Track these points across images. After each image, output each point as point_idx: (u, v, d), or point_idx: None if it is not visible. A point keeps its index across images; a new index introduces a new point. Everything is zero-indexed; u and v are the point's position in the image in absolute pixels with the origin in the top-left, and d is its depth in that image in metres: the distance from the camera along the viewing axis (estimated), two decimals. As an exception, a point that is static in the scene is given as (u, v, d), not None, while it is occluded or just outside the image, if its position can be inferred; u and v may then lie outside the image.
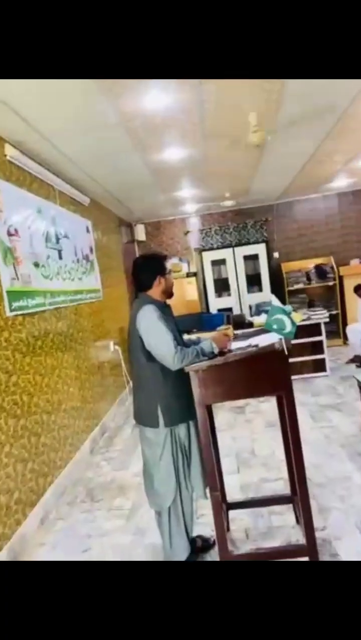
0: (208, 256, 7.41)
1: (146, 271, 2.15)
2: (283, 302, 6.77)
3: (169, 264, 2.21)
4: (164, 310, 2.13)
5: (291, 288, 7.21)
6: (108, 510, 2.91)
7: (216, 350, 2.05)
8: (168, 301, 2.25)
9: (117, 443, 4.17)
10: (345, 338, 6.29)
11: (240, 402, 4.65)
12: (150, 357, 2.04)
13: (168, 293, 2.20)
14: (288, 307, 5.23)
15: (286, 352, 1.96)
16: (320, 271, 7.18)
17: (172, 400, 2.08)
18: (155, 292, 2.15)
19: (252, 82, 2.74)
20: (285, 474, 2.48)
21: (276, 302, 2.17)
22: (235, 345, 2.17)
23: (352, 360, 5.78)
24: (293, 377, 5.09)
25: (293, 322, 2.09)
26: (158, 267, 2.15)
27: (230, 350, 2.08)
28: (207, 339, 2.10)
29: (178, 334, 2.20)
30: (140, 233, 7.40)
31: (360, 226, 7.42)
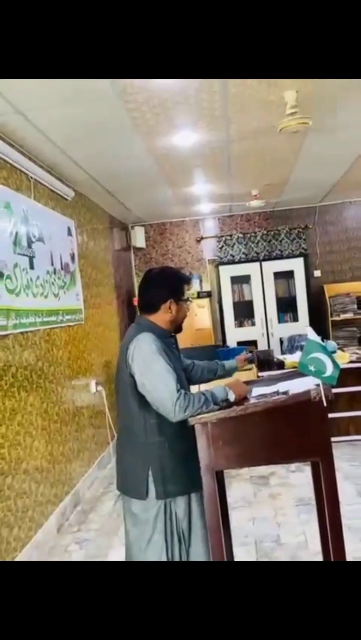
0: (227, 271, 7.49)
1: (156, 288, 2.17)
2: (326, 336, 6.77)
3: (189, 289, 2.23)
4: (167, 341, 2.14)
5: (336, 318, 7.23)
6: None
7: (232, 398, 2.05)
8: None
9: (93, 520, 4.12)
10: None
11: (263, 471, 4.59)
12: (143, 402, 2.05)
13: (178, 325, 2.21)
14: (331, 344, 5.27)
15: (325, 404, 1.95)
16: (376, 297, 7.21)
17: (170, 463, 2.07)
18: (161, 318, 2.16)
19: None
20: (321, 572, 2.41)
21: (313, 335, 2.17)
22: (256, 391, 2.17)
23: None
24: (337, 439, 5.10)
25: (335, 364, 2.09)
26: (173, 288, 2.17)
27: (247, 399, 2.08)
28: (219, 384, 2.11)
29: (184, 373, 2.21)
30: (139, 238, 7.52)
31: None
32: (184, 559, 2.13)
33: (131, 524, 2.14)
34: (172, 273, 2.27)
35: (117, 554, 3.33)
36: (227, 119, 3.82)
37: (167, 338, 2.16)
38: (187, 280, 2.25)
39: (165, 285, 2.17)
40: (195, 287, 7.50)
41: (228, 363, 2.43)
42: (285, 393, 2.06)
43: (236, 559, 2.57)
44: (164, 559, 2.09)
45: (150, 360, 2.00)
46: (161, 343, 2.06)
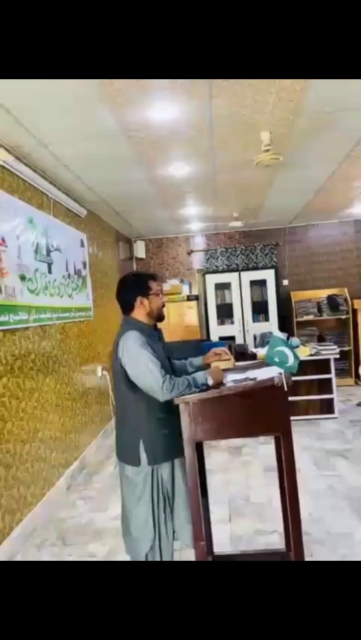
0: (212, 279, 7.48)
1: (125, 291, 2.16)
2: (291, 334, 6.78)
3: (157, 284, 2.20)
4: (151, 334, 2.13)
5: (300, 319, 7.24)
6: (80, 556, 2.84)
7: (210, 382, 2.05)
8: (160, 324, 2.25)
9: (96, 481, 4.10)
10: (358, 377, 6.26)
11: (237, 442, 4.59)
12: (133, 387, 2.03)
13: (156, 316, 2.18)
14: (295, 341, 5.25)
15: (286, 388, 1.96)
16: (333, 302, 7.22)
17: (157, 436, 2.07)
18: (139, 314, 2.15)
19: (265, 97, 2.84)
20: (281, 526, 2.42)
21: (277, 332, 2.17)
22: (230, 377, 2.16)
23: (364, 403, 5.74)
24: (297, 418, 5.14)
25: (295, 355, 2.09)
26: (138, 287, 2.14)
27: (223, 383, 2.08)
28: (200, 371, 2.11)
29: (168, 360, 2.20)
30: (140, 250, 7.50)
31: (377, 257, 7.52)
32: (168, 513, 2.13)
33: (125, 485, 2.13)
34: (134, 276, 2.26)
35: (115, 509, 3.32)
36: (213, 153, 3.81)
37: (151, 331, 2.14)
38: (150, 277, 2.19)
39: (130, 287, 2.16)
40: (185, 291, 7.49)
41: (196, 360, 2.38)
42: (254, 379, 2.06)
43: (212, 514, 2.56)
44: (150, 513, 2.08)
45: (137, 354, 1.98)
46: (145, 337, 2.04)
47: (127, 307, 2.17)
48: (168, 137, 3.36)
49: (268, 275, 7.40)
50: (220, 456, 4.36)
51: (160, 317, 2.21)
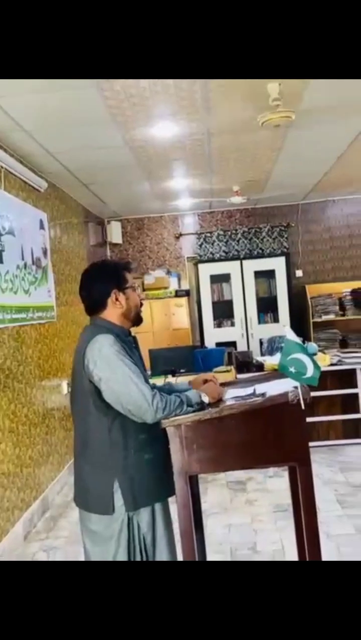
0: (207, 269, 7.49)
1: (96, 283, 2.10)
2: (307, 338, 6.81)
3: (132, 276, 2.15)
4: (127, 341, 2.06)
5: (318, 319, 7.28)
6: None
7: (206, 400, 2.03)
8: (135, 330, 2.19)
9: (63, 527, 4.07)
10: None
11: (241, 476, 4.59)
12: (106, 409, 1.97)
13: (133, 316, 2.13)
14: (312, 347, 5.30)
15: (303, 407, 1.95)
16: (358, 298, 7.27)
17: (137, 472, 1.99)
18: (113, 314, 2.08)
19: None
20: (297, 581, 2.41)
21: (292, 336, 2.17)
22: (232, 393, 2.15)
23: None
24: (315, 443, 5.15)
25: (316, 365, 2.09)
26: (112, 278, 2.09)
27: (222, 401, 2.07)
28: (191, 388, 2.08)
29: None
30: (115, 233, 7.48)
31: None
32: None
33: (91, 544, 2.05)
34: (107, 263, 2.25)
35: (87, 563, 3.29)
36: (208, 110, 3.81)
37: (126, 337, 2.08)
38: (126, 267, 2.15)
39: (104, 278, 2.10)
40: (173, 285, 7.49)
41: (179, 385, 2.29)
42: (262, 395, 2.06)
43: (210, 567, 2.55)
44: None
45: (115, 363, 1.92)
46: (121, 343, 1.99)
47: (95, 305, 2.10)
48: (151, 89, 3.35)
49: (278, 264, 7.43)
50: (220, 493, 4.35)
51: (138, 319, 2.16)
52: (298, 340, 2.17)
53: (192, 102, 3.63)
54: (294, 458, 2.04)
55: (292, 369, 2.05)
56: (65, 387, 5.10)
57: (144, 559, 2.05)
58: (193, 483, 2.22)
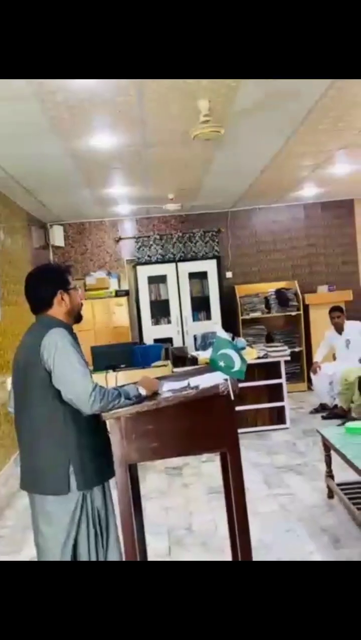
0: (145, 271, 7.49)
1: (42, 284, 2.16)
2: (236, 334, 6.94)
3: (72, 278, 2.22)
4: (73, 336, 2.11)
5: (246, 317, 7.44)
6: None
7: (143, 393, 2.04)
8: (78, 328, 2.24)
9: (8, 517, 3.97)
10: (310, 382, 6.54)
11: (177, 462, 4.63)
12: (60, 396, 1.99)
13: (76, 314, 2.20)
14: (241, 342, 5.38)
15: (232, 397, 2.00)
16: (282, 297, 7.48)
17: (89, 453, 2.04)
18: (58, 312, 2.14)
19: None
20: (229, 556, 2.47)
21: (222, 333, 2.21)
22: (167, 386, 2.17)
23: (317, 410, 6.01)
24: (245, 430, 5.27)
25: (243, 359, 2.14)
26: (58, 279, 2.16)
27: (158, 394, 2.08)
28: (129, 383, 2.10)
29: None
30: (58, 236, 7.34)
31: (329, 246, 7.89)
32: (102, 548, 2.10)
33: (46, 525, 2.04)
34: (52, 267, 2.34)
35: (32, 550, 3.22)
36: (143, 123, 3.81)
37: (71, 332, 2.13)
38: (67, 270, 2.25)
39: (50, 280, 2.17)
40: (113, 286, 7.43)
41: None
42: (195, 387, 2.09)
43: (149, 547, 2.56)
44: (85, 553, 2.04)
45: (67, 353, 1.97)
46: (71, 336, 2.05)
47: (42, 303, 2.15)
48: (90, 101, 3.31)
49: (210, 266, 7.53)
50: (158, 478, 4.38)
51: (79, 317, 2.23)
52: (227, 336, 2.22)
53: (128, 116, 3.62)
54: (225, 444, 2.08)
55: (222, 363, 2.09)
56: (9, 384, 4.96)
57: (99, 535, 2.08)
58: (132, 470, 2.23)
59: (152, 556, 2.59)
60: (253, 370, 5.28)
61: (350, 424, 3.68)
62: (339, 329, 6.02)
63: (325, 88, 3.38)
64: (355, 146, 4.86)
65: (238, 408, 2.12)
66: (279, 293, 7.50)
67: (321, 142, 4.71)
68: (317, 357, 6.15)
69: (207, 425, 2.04)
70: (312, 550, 3.02)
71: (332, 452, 3.52)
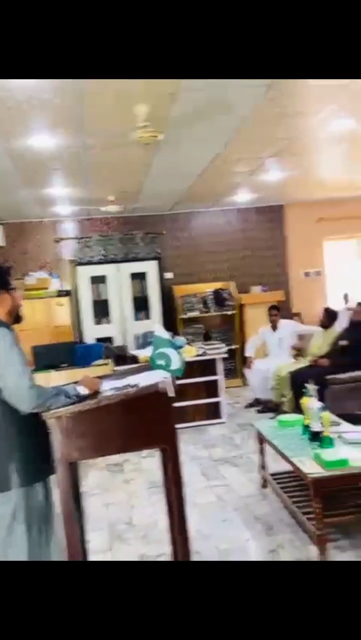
0: (86, 271, 7.37)
1: None
2: (176, 332, 6.98)
3: (12, 278, 2.19)
4: (14, 335, 2.07)
5: (185, 316, 7.49)
6: None
7: (83, 392, 2.02)
8: (19, 327, 2.20)
9: None
10: (245, 377, 6.69)
11: (118, 458, 4.60)
12: (0, 394, 1.96)
13: (16, 314, 2.16)
14: (180, 340, 5.41)
15: (171, 394, 2.01)
16: (219, 297, 7.60)
17: (30, 451, 2.01)
18: (0, 312, 2.09)
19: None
20: (169, 548, 2.48)
21: (160, 332, 2.22)
22: (108, 384, 2.15)
23: (252, 405, 6.15)
24: (184, 425, 5.30)
25: (181, 358, 2.15)
26: (1, 280, 2.12)
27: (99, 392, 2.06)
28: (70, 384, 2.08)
29: None
30: (-3, 236, 7.09)
31: (262, 248, 8.09)
32: (44, 545, 2.05)
33: None
34: None
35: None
36: (82, 126, 3.74)
37: (12, 332, 2.07)
38: (8, 271, 2.20)
39: None
40: (54, 286, 7.26)
41: None
42: (135, 386, 2.08)
43: (90, 543, 2.53)
44: (26, 547, 1.99)
45: (10, 351, 1.95)
46: (12, 336, 2.01)
47: None
48: (29, 102, 3.22)
49: (150, 267, 7.52)
50: (99, 475, 4.33)
51: (19, 317, 2.19)
52: (166, 336, 2.23)
53: (67, 118, 3.55)
54: (164, 440, 2.09)
55: (161, 362, 2.10)
56: None
57: (40, 532, 2.05)
58: (73, 468, 2.19)
59: (93, 551, 2.56)
60: (192, 368, 5.32)
61: (281, 417, 3.79)
62: (274, 327, 6.20)
63: (257, 99, 3.45)
64: (284, 154, 5.01)
65: (177, 404, 2.15)
66: (216, 293, 7.61)
67: (254, 150, 4.82)
68: (248, 350, 6.29)
69: (146, 423, 2.04)
70: (247, 538, 3.09)
71: (265, 444, 3.62)
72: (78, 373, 4.29)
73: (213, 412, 5.61)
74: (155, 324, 2.49)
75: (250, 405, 6.14)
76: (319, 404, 3.23)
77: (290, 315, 7.52)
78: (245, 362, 6.39)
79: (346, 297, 7.82)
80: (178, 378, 2.13)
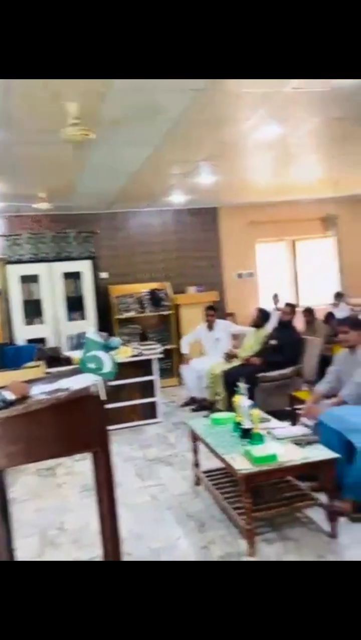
0: (16, 270, 7.16)
1: None
2: (111, 333, 6.93)
3: None
4: None
5: (121, 316, 7.46)
6: None
7: (11, 397, 1.97)
8: None
9: None
10: (181, 377, 6.77)
11: (50, 462, 4.52)
12: None
13: None
14: (115, 341, 5.37)
15: (103, 397, 2.00)
16: (155, 298, 7.63)
17: None
18: None
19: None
20: (100, 550, 2.47)
21: (92, 334, 2.21)
22: (38, 389, 2.12)
23: (187, 404, 6.23)
24: (119, 426, 5.28)
25: (113, 360, 2.16)
26: None
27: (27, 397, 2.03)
28: None
29: None
30: None
31: (197, 249, 8.22)
32: None
33: None
34: None
35: None
36: (10, 121, 3.64)
37: None
38: None
39: None
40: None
41: None
42: (67, 389, 2.06)
43: (21, 550, 2.48)
44: None
45: None
46: None
47: None
48: None
49: (84, 266, 7.42)
50: (30, 480, 4.24)
51: None
52: (98, 337, 2.22)
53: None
54: (96, 444, 2.08)
55: (92, 365, 2.09)
56: None
57: None
58: (0, 475, 2.14)
59: (23, 559, 2.50)
60: (127, 368, 5.32)
61: (214, 415, 3.88)
62: (210, 327, 6.32)
63: (187, 104, 3.50)
64: (217, 158, 5.11)
65: (112, 405, 2.15)
66: (152, 293, 7.64)
67: (187, 153, 4.88)
68: (183, 347, 6.37)
69: (78, 427, 2.02)
70: (179, 536, 3.13)
71: (199, 442, 3.69)
72: (8, 376, 4.17)
73: (149, 411, 5.63)
74: (89, 327, 2.47)
75: (186, 404, 6.22)
76: (249, 402, 3.33)
77: (224, 315, 7.68)
78: (181, 359, 6.47)
79: (275, 297, 8.09)
80: (111, 380, 2.13)
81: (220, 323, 6.41)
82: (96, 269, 7.56)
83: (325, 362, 5.08)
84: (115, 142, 4.27)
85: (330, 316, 6.85)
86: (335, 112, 4.03)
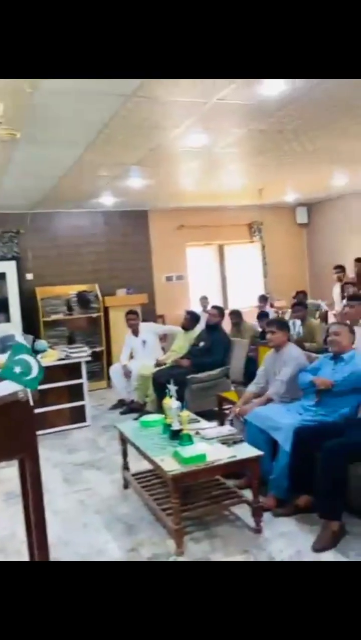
0: None
1: None
2: (38, 336, 6.77)
3: None
4: None
5: (48, 319, 7.30)
6: None
7: None
8: None
9: None
10: (110, 379, 6.72)
11: (-26, 470, 4.33)
12: None
13: None
14: (41, 344, 5.29)
15: (32, 403, 1.97)
16: (83, 300, 7.53)
17: None
18: None
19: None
20: (26, 557, 2.42)
21: (21, 339, 2.17)
22: None
23: (116, 406, 6.20)
24: (47, 431, 5.17)
25: (40, 366, 2.12)
26: None
27: None
28: None
29: None
30: None
31: (127, 252, 8.21)
32: None
33: None
34: None
35: None
36: None
37: None
38: None
39: None
40: None
41: None
42: (-8, 395, 2.01)
43: None
44: None
45: None
46: None
47: None
48: None
49: (9, 267, 7.21)
50: None
51: None
52: (25, 342, 2.18)
53: None
54: (23, 451, 2.04)
55: (18, 369, 2.05)
56: None
57: None
58: None
59: None
60: (55, 372, 5.23)
61: (143, 418, 3.90)
62: (135, 332, 6.31)
63: (114, 109, 3.52)
64: (145, 163, 5.15)
65: (39, 410, 2.11)
66: (80, 295, 7.54)
67: (117, 156, 4.88)
68: (122, 360, 6.29)
69: (5, 434, 1.97)
70: (107, 540, 3.13)
71: (128, 445, 3.69)
72: None
73: (77, 415, 5.55)
74: (15, 327, 2.41)
75: (114, 407, 6.19)
76: (178, 404, 3.39)
77: (155, 318, 7.73)
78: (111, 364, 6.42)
79: (204, 300, 8.25)
80: (43, 381, 2.09)
81: (144, 326, 6.41)
82: (22, 271, 7.36)
83: (250, 363, 5.27)
84: (43, 142, 4.20)
85: (262, 315, 7.08)
86: (259, 125, 4.20)
